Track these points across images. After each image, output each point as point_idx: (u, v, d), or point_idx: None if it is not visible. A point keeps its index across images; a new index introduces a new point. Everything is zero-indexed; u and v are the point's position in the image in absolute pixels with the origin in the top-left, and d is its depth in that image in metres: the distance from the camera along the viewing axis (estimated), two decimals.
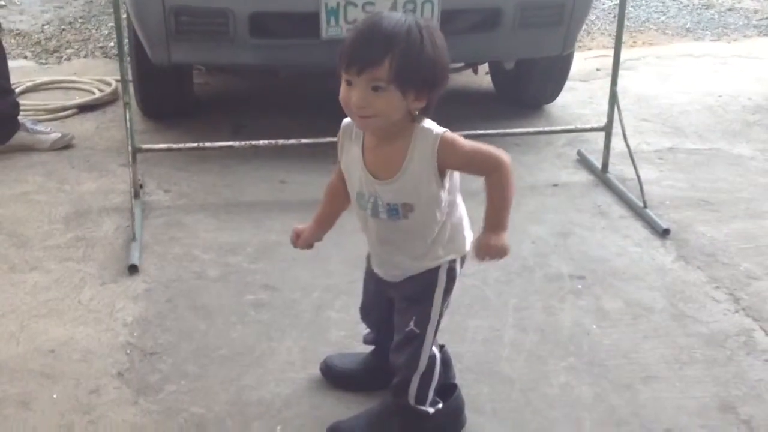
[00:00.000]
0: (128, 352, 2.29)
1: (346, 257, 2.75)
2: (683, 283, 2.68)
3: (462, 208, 1.89)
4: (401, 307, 1.92)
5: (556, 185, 3.41)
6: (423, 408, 1.95)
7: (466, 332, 2.40)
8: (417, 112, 1.74)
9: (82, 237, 2.91)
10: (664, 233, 2.98)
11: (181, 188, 3.32)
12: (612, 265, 2.79)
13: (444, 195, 1.79)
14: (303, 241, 2.03)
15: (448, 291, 1.89)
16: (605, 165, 3.46)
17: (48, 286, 2.60)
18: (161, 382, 2.17)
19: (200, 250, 2.84)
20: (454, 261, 1.87)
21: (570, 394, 2.16)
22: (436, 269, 1.85)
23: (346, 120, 1.82)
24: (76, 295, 2.56)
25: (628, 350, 2.34)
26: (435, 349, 1.93)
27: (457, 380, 2.10)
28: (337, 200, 1.97)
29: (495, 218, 1.79)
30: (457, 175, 1.83)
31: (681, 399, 2.14)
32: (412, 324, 1.88)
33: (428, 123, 1.77)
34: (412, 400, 1.94)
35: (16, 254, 2.79)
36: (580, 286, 2.66)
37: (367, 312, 2.11)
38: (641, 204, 3.15)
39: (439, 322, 1.90)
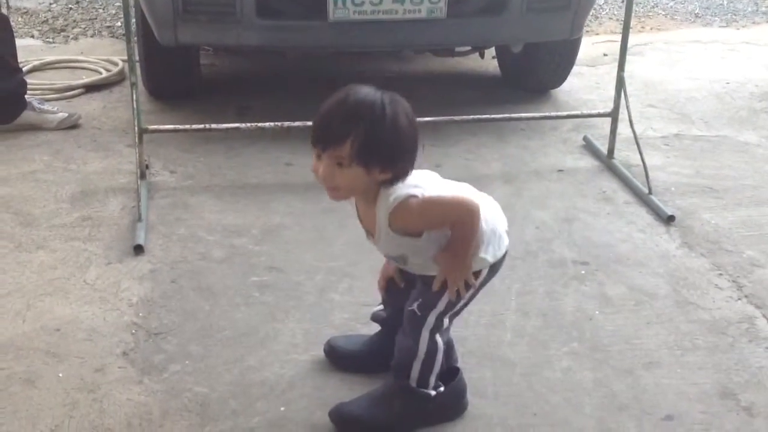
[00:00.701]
0: (133, 331, 2.31)
1: (350, 240, 2.76)
2: (687, 270, 2.69)
3: (487, 226, 1.88)
4: (415, 289, 1.96)
5: (561, 170, 3.41)
6: (425, 391, 1.97)
7: (469, 316, 2.40)
8: (385, 181, 1.77)
9: (88, 217, 2.93)
10: (669, 220, 2.98)
11: (186, 169, 3.33)
12: (616, 251, 2.79)
13: (426, 242, 1.84)
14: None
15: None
16: (611, 151, 3.45)
17: (54, 266, 2.62)
18: (166, 361, 2.19)
19: (205, 231, 2.85)
20: (477, 271, 1.90)
21: (571, 378, 2.17)
22: None
23: None
24: (82, 274, 2.58)
25: (630, 336, 2.35)
26: (439, 339, 1.95)
27: (460, 364, 2.11)
28: None
29: (452, 247, 1.84)
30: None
31: (682, 385, 2.15)
32: (415, 305, 1.91)
33: (393, 190, 1.78)
34: (413, 383, 1.96)
35: (23, 233, 2.80)
36: (583, 272, 2.66)
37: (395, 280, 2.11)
38: (646, 190, 3.15)
39: (446, 313, 1.92)
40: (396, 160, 1.75)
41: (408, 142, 1.75)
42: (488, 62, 4.55)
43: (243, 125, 3.34)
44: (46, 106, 3.73)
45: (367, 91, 1.74)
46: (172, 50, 3.55)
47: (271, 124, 3.30)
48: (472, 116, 3.53)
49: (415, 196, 1.77)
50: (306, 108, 3.32)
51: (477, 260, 1.88)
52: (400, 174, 1.77)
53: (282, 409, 2.03)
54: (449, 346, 2.05)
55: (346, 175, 1.73)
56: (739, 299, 2.54)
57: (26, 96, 3.67)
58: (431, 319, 1.91)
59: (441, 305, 1.91)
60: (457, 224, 1.83)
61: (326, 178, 1.74)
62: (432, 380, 1.97)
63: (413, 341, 1.92)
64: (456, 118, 3.50)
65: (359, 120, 1.69)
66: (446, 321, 1.95)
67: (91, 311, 2.39)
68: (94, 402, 2.03)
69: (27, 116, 3.63)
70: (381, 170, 1.74)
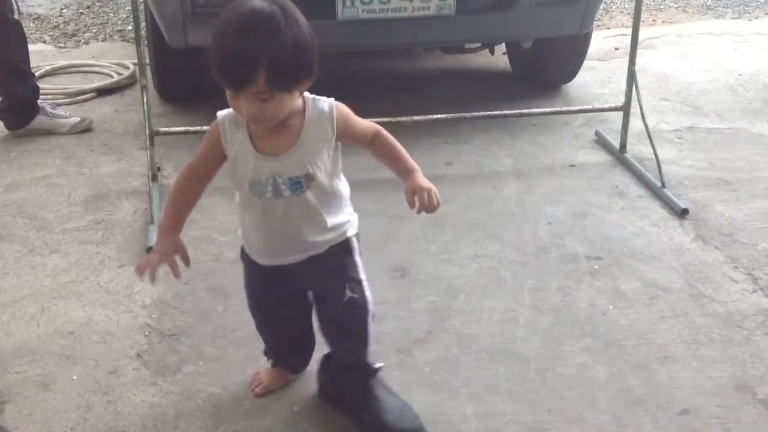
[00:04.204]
0: (147, 333, 2.31)
1: (363, 237, 2.73)
2: (701, 263, 2.67)
3: (347, 185, 1.90)
4: (324, 284, 1.90)
5: (573, 166, 3.39)
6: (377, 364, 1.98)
7: (482, 313, 2.40)
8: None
9: (101, 220, 2.94)
10: (683, 213, 2.96)
11: None
12: (629, 246, 2.77)
13: (336, 162, 1.81)
14: (164, 256, 1.80)
15: (361, 254, 1.91)
16: (623, 145, 3.43)
17: (67, 269, 2.63)
18: (179, 363, 2.19)
19: (217, 232, 2.85)
20: (356, 234, 1.92)
21: (586, 374, 2.16)
22: (347, 239, 1.88)
23: (221, 113, 1.79)
24: (95, 277, 2.59)
25: (644, 331, 2.33)
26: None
27: (474, 361, 2.10)
28: (191, 201, 1.89)
29: (405, 165, 1.82)
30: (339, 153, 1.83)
31: (698, 379, 2.14)
32: (348, 292, 1.86)
33: (318, 98, 1.77)
34: (370, 358, 1.96)
35: (36, 237, 2.82)
36: (596, 267, 2.65)
37: (272, 315, 2.01)
38: (659, 184, 3.13)
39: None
40: (313, 65, 1.65)
41: (313, 44, 1.65)
42: (498, 58, 4.53)
43: None
44: (59, 111, 3.75)
45: (256, 9, 1.61)
46: (182, 52, 3.56)
47: None
48: (483, 113, 3.52)
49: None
50: None
51: (355, 222, 1.91)
52: (318, 72, 1.68)
53: (295, 408, 2.04)
54: None
55: (272, 105, 1.64)
56: (755, 292, 2.52)
57: (38, 101, 3.69)
58: (368, 292, 1.89)
59: (364, 277, 1.89)
60: (379, 134, 1.83)
61: (254, 117, 1.66)
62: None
63: (362, 322, 1.89)
64: (467, 114, 3.49)
65: (263, 52, 1.58)
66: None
67: (105, 314, 2.40)
68: (108, 404, 2.04)
69: (39, 121, 3.65)
70: (304, 84, 1.68)
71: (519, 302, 2.46)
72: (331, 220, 1.84)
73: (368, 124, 1.84)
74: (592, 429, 1.97)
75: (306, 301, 1.99)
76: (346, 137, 1.80)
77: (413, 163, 1.83)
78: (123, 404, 2.04)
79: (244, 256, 1.95)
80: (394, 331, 2.30)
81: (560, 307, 2.44)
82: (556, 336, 2.31)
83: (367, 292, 1.90)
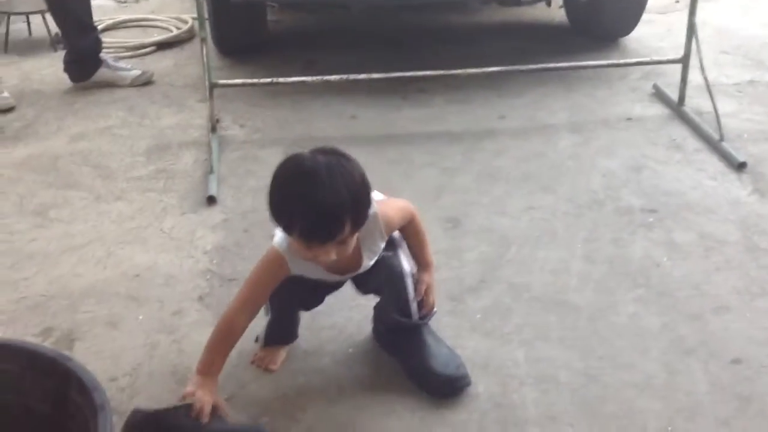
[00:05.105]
0: (208, 278, 2.39)
1: (417, 189, 2.79)
2: (758, 216, 2.64)
3: None
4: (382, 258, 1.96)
5: (630, 119, 3.36)
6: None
7: (534, 263, 2.42)
8: None
9: (162, 169, 3.02)
10: (740, 166, 2.92)
11: (255, 123, 3.39)
12: (686, 199, 2.76)
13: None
14: (209, 401, 1.77)
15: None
16: (681, 98, 3.39)
17: (132, 216, 2.72)
18: None
19: None
20: None
21: (638, 323, 2.18)
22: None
23: (281, 249, 1.83)
24: (159, 223, 2.67)
25: (698, 282, 2.33)
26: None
27: (525, 309, 2.12)
28: (235, 341, 1.89)
29: (425, 258, 2.02)
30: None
31: (750, 329, 2.14)
32: (382, 253, 1.94)
33: None
34: (415, 316, 2.00)
35: (102, 185, 2.92)
36: (651, 220, 2.64)
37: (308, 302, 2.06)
38: (717, 137, 3.09)
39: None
40: (371, 196, 1.74)
41: (366, 177, 1.73)
42: (555, 11, 4.48)
43: (309, 79, 3.39)
44: (121, 64, 3.84)
45: (321, 163, 1.66)
46: (239, 6, 3.60)
47: (337, 77, 3.33)
48: (538, 65, 3.49)
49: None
50: (370, 61, 3.33)
51: None
52: None
53: (350, 350, 2.10)
54: None
55: (348, 245, 1.73)
56: None
57: (101, 54, 3.78)
58: (405, 260, 1.97)
59: (400, 244, 1.99)
60: (414, 219, 1.97)
61: (330, 262, 1.74)
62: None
63: (403, 291, 1.96)
64: (522, 67, 3.48)
65: (347, 202, 1.65)
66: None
67: (168, 258, 2.48)
68: (173, 343, 2.13)
69: (102, 74, 3.75)
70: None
71: (572, 253, 2.48)
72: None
73: (404, 211, 1.94)
74: (642, 375, 1.99)
75: None
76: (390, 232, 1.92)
77: (430, 257, 2.03)
78: (187, 343, 2.12)
79: None
80: (447, 280, 2.34)
81: (613, 258, 2.45)
82: (608, 286, 2.33)
83: (403, 258, 1.97)
